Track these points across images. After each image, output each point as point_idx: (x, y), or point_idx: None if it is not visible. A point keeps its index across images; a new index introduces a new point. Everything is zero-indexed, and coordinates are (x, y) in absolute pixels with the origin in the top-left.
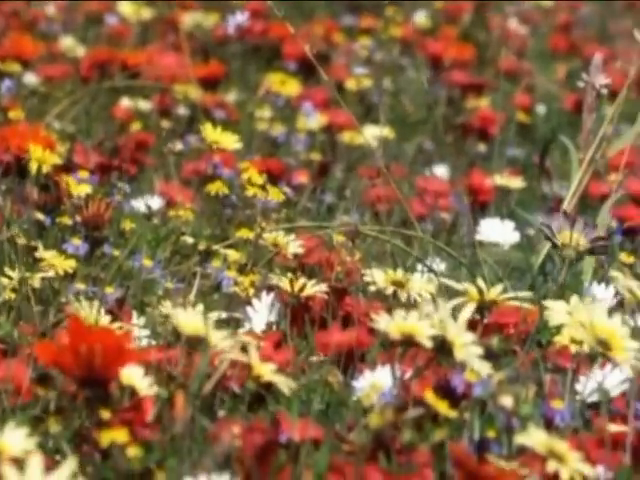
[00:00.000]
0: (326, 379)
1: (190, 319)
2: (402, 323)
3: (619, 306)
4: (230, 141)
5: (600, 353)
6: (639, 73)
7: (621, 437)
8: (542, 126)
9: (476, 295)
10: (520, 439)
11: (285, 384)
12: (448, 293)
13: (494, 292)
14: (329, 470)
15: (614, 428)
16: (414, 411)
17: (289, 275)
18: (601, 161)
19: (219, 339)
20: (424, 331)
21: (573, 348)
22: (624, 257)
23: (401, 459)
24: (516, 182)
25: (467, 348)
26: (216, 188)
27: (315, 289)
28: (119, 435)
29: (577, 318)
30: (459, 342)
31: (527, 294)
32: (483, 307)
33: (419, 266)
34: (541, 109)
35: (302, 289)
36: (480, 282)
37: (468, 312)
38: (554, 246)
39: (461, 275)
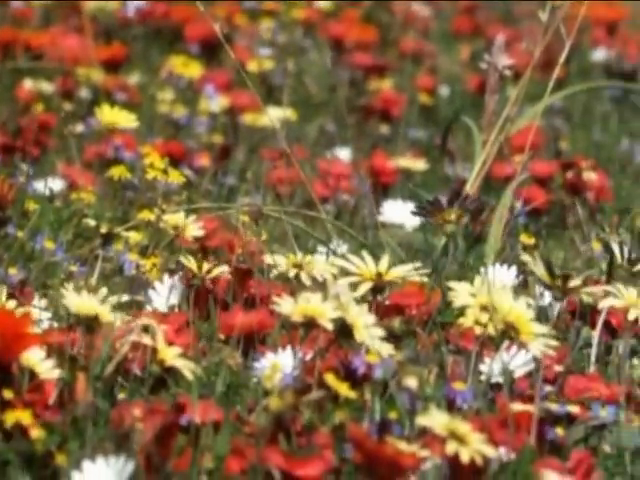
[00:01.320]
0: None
1: (84, 301)
2: (304, 305)
3: (523, 287)
4: (127, 121)
5: (508, 337)
6: (543, 54)
7: (524, 418)
8: (445, 107)
9: (372, 275)
10: (421, 420)
11: (187, 368)
12: (349, 275)
13: (390, 272)
14: (229, 452)
15: (517, 409)
16: (315, 393)
17: (191, 257)
18: (505, 142)
19: (119, 321)
20: (325, 313)
21: (477, 330)
22: (526, 238)
23: (301, 441)
24: (419, 164)
25: (368, 330)
26: (118, 173)
27: (219, 270)
28: (23, 416)
29: (481, 300)
30: (359, 324)
31: (423, 271)
32: (380, 287)
33: (322, 248)
34: (444, 90)
35: (209, 271)
36: (374, 262)
37: (362, 291)
38: (430, 223)
39: (363, 256)
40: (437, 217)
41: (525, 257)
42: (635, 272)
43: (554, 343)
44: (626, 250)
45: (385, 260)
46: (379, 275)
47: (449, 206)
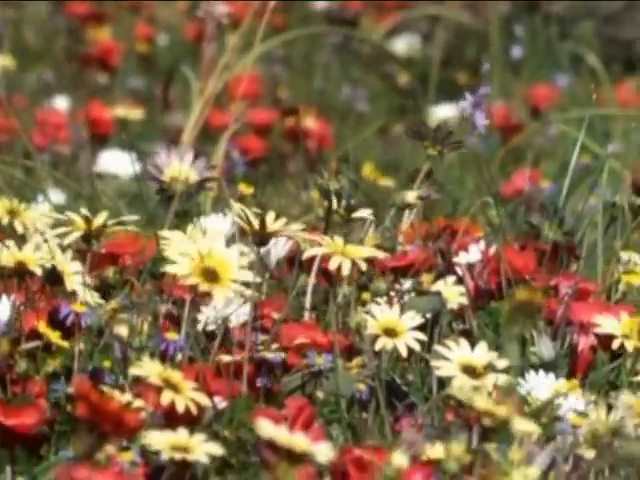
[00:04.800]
0: None
1: None
2: (15, 253)
3: (241, 236)
4: None
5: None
6: (262, 2)
7: (239, 366)
8: (164, 57)
9: (82, 224)
10: (133, 370)
11: None
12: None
13: (100, 220)
14: None
15: (232, 357)
16: (29, 343)
17: None
18: (223, 91)
19: None
20: (35, 260)
21: (190, 279)
22: (244, 188)
23: (16, 389)
24: (136, 113)
25: (76, 277)
26: None
27: None
28: None
29: (194, 249)
30: (68, 271)
31: (132, 219)
32: (90, 236)
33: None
34: (163, 39)
35: None
36: (85, 212)
37: (70, 239)
38: (159, 183)
39: (80, 206)
40: (164, 174)
41: (233, 204)
42: (350, 218)
43: (243, 289)
44: (344, 197)
45: (99, 210)
46: (88, 223)
47: (173, 160)
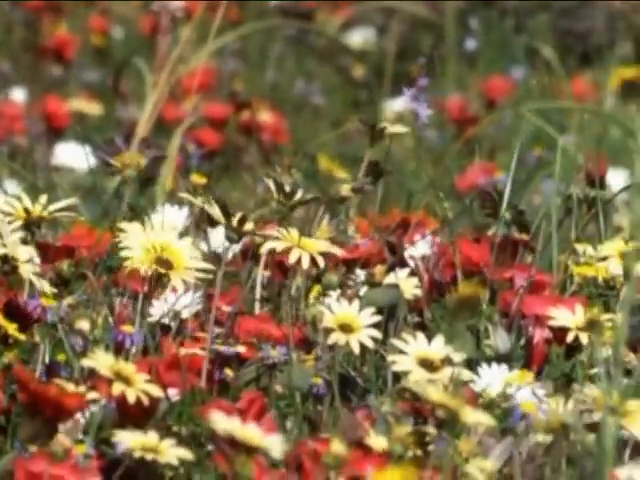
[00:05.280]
0: None
1: None
2: None
3: (196, 228)
4: None
5: (162, 274)
6: None
7: (194, 359)
8: (119, 49)
9: (22, 213)
10: (86, 362)
11: None
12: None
13: (39, 208)
14: None
15: (187, 350)
16: None
17: None
18: (177, 84)
19: None
20: None
21: (143, 271)
22: (197, 178)
23: None
24: (92, 107)
25: (29, 266)
26: None
27: None
28: None
29: (148, 241)
30: (19, 258)
31: (68, 203)
32: (30, 224)
33: None
34: (118, 32)
35: None
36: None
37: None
38: (110, 166)
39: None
40: (115, 160)
41: (184, 195)
42: (294, 207)
43: (199, 275)
44: (294, 189)
45: (44, 199)
46: (27, 213)
47: (126, 149)
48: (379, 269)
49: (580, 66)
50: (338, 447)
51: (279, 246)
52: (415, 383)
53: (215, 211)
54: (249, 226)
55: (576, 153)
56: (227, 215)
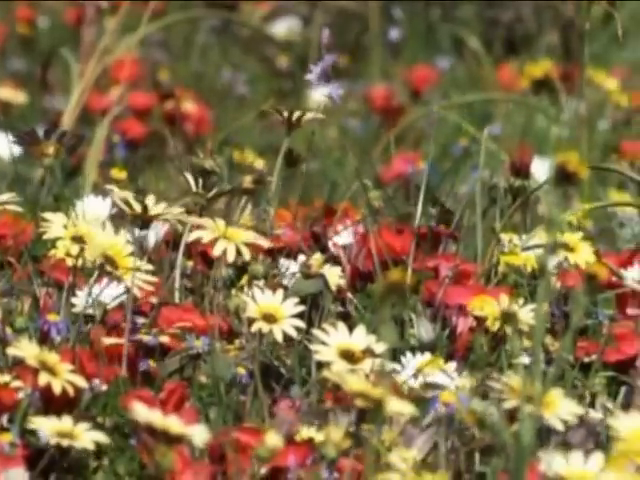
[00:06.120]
0: None
1: None
2: None
3: (120, 219)
4: None
5: (105, 270)
6: None
7: (118, 350)
8: (45, 39)
9: None
10: (12, 351)
11: None
12: None
13: None
14: None
15: (109, 341)
16: None
17: None
18: (103, 74)
19: None
20: None
21: (69, 261)
22: (117, 173)
23: None
24: (18, 96)
25: None
26: None
27: None
28: None
29: (74, 232)
30: None
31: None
32: None
33: None
34: (43, 22)
35: None
36: None
37: None
38: (28, 155)
39: None
40: (35, 149)
41: (111, 187)
42: (212, 197)
43: (150, 278)
44: (213, 181)
45: None
46: None
47: (46, 138)
48: (316, 260)
49: (506, 55)
50: (273, 440)
51: (205, 237)
52: (335, 373)
53: (118, 200)
54: (156, 210)
55: (502, 143)
56: (129, 204)
